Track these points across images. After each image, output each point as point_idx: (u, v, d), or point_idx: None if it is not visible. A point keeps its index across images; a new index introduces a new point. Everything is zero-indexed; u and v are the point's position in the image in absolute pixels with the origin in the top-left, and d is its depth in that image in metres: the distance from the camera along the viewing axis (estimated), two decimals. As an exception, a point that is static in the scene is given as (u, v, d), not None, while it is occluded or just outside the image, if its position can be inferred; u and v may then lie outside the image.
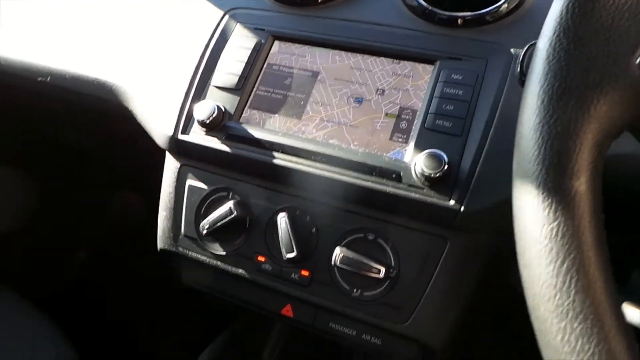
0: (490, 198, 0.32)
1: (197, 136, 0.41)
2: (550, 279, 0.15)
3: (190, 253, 0.41)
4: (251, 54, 0.42)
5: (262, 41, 0.43)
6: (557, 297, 0.15)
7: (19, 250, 0.81)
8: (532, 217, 0.16)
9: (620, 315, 0.15)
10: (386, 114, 0.38)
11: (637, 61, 0.16)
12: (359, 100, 0.39)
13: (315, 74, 0.41)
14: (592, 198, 0.16)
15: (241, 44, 0.43)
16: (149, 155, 0.48)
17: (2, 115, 0.67)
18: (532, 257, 0.16)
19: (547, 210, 0.15)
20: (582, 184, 0.16)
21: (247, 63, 0.42)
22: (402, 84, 0.38)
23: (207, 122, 0.39)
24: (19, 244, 0.82)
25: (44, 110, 0.62)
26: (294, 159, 0.37)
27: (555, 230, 0.15)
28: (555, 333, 0.15)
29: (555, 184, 0.15)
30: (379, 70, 0.39)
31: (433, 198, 0.33)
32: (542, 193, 0.16)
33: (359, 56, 0.40)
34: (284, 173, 0.38)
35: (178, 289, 0.53)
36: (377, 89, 0.39)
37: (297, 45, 0.42)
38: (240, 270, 0.39)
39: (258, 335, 0.56)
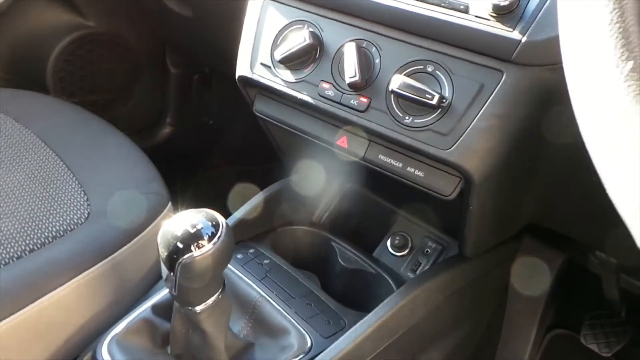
0: (554, 30, 0.33)
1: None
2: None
3: (263, 80, 0.46)
4: None
5: None
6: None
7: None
8: None
9: None
10: (464, -44, 0.39)
11: None
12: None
13: None
14: None
15: None
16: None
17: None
18: None
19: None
20: None
21: None
22: None
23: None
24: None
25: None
26: None
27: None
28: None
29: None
30: None
31: (497, 29, 0.35)
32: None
33: None
34: (355, 4, 0.40)
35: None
36: None
37: None
38: (305, 97, 0.43)
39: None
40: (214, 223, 0.33)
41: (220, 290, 0.36)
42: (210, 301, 0.35)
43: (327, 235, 0.59)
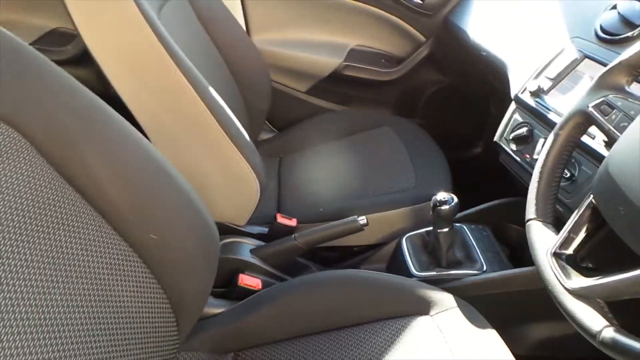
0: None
1: (527, 96, 0.90)
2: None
3: (504, 146, 0.93)
4: (570, 64, 0.86)
5: (578, 57, 0.85)
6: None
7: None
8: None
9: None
10: (611, 108, 0.76)
11: (589, 107, 0.56)
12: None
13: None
14: (564, 137, 0.59)
15: (567, 56, 0.87)
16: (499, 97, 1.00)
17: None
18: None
19: (552, 133, 0.60)
20: (565, 132, 0.59)
21: (566, 67, 0.87)
22: None
23: (532, 91, 0.89)
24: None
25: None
26: (557, 118, 0.82)
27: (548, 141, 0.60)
28: None
29: (558, 129, 0.60)
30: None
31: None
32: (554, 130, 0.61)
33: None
34: (550, 122, 0.83)
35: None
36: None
37: (597, 64, 0.83)
38: (518, 158, 0.89)
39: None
40: (453, 200, 0.87)
41: (449, 228, 0.90)
42: (444, 230, 0.90)
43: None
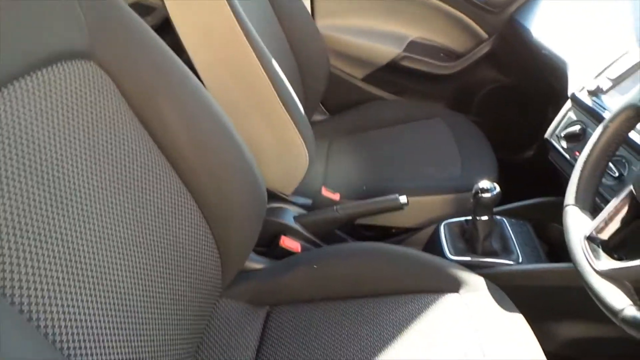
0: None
1: (584, 95, 0.90)
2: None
3: (554, 144, 0.93)
4: (633, 65, 0.85)
5: (641, 60, 0.84)
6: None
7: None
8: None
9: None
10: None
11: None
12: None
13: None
14: (613, 130, 0.59)
15: (630, 58, 0.86)
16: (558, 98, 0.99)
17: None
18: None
19: (601, 125, 0.61)
20: (614, 124, 0.60)
21: (628, 69, 0.86)
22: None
23: (590, 90, 0.88)
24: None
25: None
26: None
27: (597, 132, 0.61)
28: None
29: (608, 121, 0.61)
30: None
31: None
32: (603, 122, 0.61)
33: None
34: (600, 118, 0.83)
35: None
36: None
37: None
38: (567, 155, 0.89)
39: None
40: (495, 189, 0.89)
41: (488, 217, 0.92)
42: (483, 218, 0.92)
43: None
